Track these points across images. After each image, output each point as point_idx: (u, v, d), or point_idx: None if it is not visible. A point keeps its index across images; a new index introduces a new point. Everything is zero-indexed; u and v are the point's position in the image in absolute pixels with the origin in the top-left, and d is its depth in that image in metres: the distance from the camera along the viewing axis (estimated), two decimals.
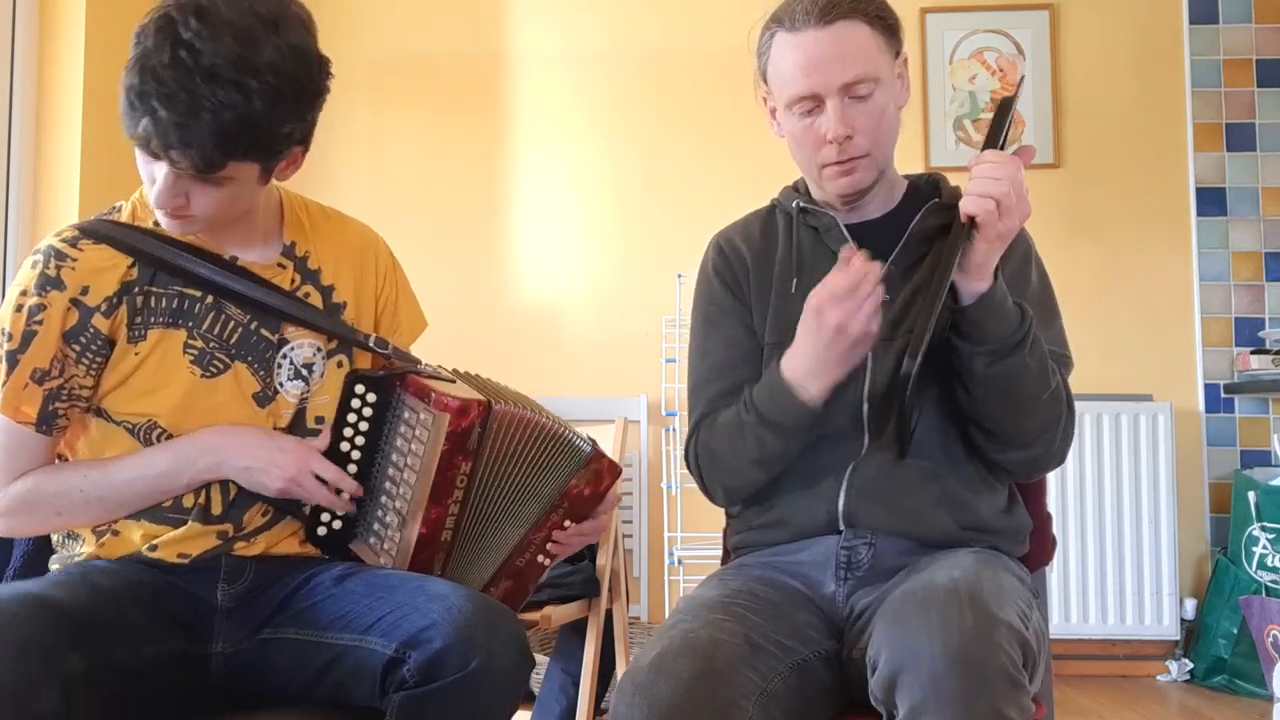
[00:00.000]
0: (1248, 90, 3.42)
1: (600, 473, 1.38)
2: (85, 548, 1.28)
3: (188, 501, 1.27)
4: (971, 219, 1.19)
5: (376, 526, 1.33)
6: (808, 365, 1.24)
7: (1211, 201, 3.40)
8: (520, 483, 1.34)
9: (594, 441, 1.41)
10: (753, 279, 1.41)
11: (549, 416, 1.37)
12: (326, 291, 1.38)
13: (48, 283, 1.22)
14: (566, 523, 1.38)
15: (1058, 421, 1.29)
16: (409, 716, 1.12)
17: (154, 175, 1.19)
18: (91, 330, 1.24)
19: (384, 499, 1.32)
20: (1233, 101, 3.42)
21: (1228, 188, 3.40)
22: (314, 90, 1.21)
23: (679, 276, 3.25)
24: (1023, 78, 1.51)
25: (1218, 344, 3.38)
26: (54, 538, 1.34)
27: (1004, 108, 1.32)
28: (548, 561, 1.41)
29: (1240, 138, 3.41)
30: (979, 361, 1.23)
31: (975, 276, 1.21)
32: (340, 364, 1.36)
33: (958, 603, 1.01)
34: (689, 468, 1.43)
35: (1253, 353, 3.26)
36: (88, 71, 2.87)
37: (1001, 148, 1.27)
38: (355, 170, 3.54)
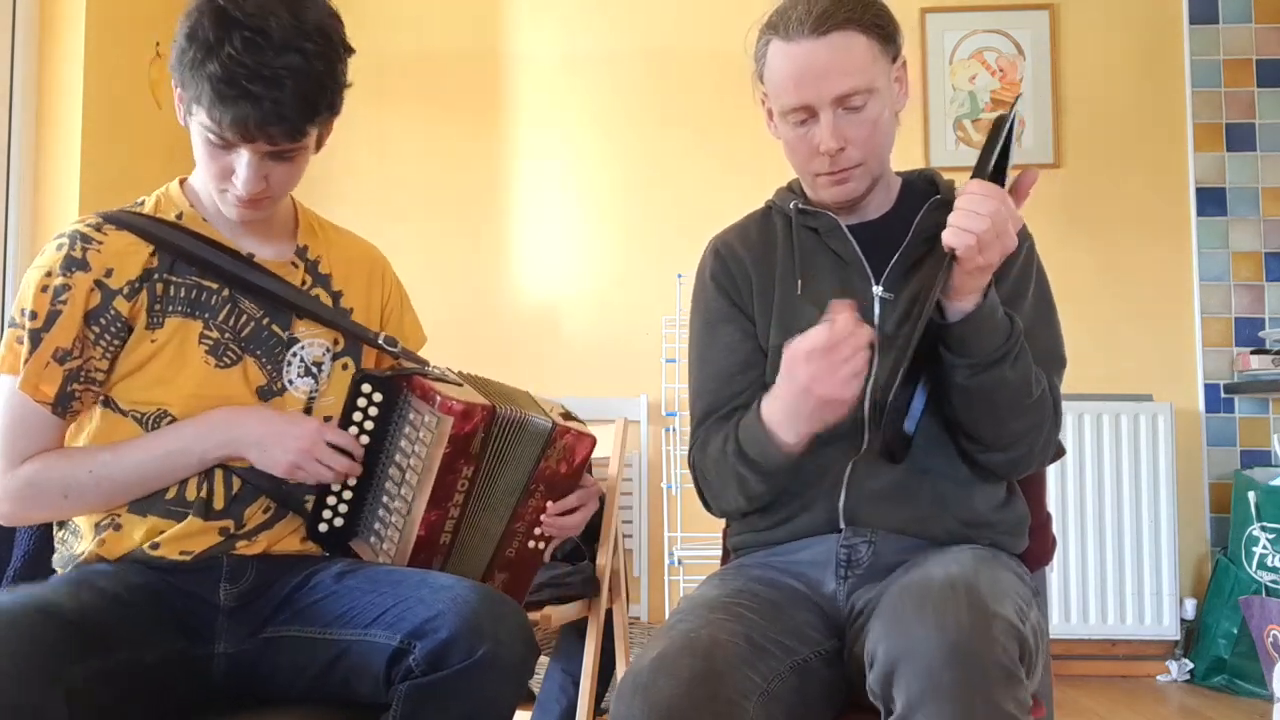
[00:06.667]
0: (1248, 90, 3.42)
1: (570, 446, 1.36)
2: (85, 545, 1.28)
3: (190, 494, 1.27)
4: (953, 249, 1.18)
5: (377, 525, 1.33)
6: (783, 413, 1.23)
7: (1211, 201, 3.40)
8: (510, 480, 1.35)
9: (560, 414, 1.38)
10: (754, 282, 1.40)
11: (534, 407, 1.36)
12: (335, 296, 1.41)
13: (72, 264, 1.24)
14: (548, 503, 1.37)
15: (1039, 427, 1.29)
16: (415, 705, 1.12)
17: (232, 165, 1.23)
18: (112, 312, 1.25)
19: (385, 499, 1.32)
20: (1233, 101, 3.42)
21: (1228, 188, 3.40)
22: (346, 43, 1.28)
23: (679, 276, 3.25)
24: (1018, 96, 1.46)
25: (1218, 344, 3.38)
26: (55, 535, 1.33)
27: (996, 128, 1.25)
28: (542, 545, 1.40)
29: (1240, 138, 3.41)
30: (960, 373, 1.24)
31: (958, 297, 1.21)
32: (345, 366, 1.38)
33: (954, 598, 1.01)
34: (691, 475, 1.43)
35: (1253, 353, 3.26)
36: (88, 71, 2.86)
37: (998, 168, 1.22)
38: (356, 170, 3.53)
